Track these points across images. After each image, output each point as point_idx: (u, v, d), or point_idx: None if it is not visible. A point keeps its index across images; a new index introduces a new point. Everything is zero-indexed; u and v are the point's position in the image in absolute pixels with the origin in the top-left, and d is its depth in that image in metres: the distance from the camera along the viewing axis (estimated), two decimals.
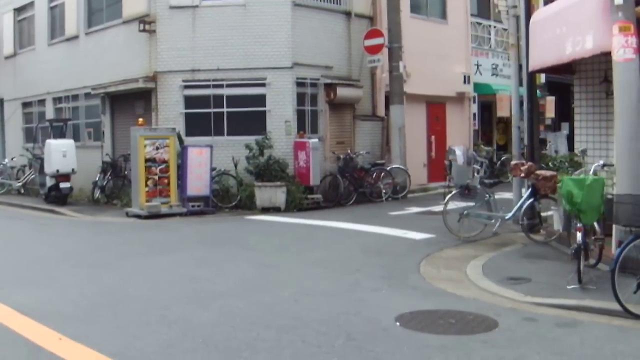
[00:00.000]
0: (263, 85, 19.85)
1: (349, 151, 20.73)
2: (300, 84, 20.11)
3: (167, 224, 16.51)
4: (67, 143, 20.26)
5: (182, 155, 18.14)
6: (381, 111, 22.34)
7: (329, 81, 20.68)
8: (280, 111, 19.84)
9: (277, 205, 18.63)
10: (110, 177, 20.77)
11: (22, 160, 24.86)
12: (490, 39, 27.81)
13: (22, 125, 27.60)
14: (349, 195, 20.07)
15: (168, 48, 19.84)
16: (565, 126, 30.95)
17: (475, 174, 14.68)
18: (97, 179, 20.80)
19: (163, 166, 17.79)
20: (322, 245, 13.16)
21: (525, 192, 13.30)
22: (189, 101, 19.95)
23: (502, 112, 26.53)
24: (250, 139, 19.23)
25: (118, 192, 20.60)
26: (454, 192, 13.99)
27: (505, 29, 26.93)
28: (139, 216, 17.32)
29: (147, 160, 17.59)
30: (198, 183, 18.24)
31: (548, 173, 13.20)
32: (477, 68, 26.86)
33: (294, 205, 18.69)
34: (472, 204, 13.64)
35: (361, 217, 16.81)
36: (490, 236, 13.48)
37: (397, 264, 11.13)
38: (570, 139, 21.78)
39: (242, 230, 15.50)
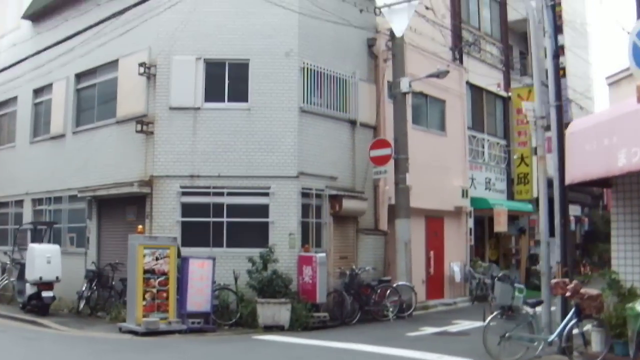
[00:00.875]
0: (266, 194, 18.72)
1: (353, 267, 19.51)
2: (304, 194, 19.01)
3: (169, 343, 14.99)
4: (52, 249, 18.72)
5: (182, 267, 16.70)
6: (384, 225, 21.29)
7: (334, 192, 19.64)
8: (284, 223, 18.67)
9: (280, 324, 17.29)
10: (95, 288, 19.06)
11: None
12: (484, 152, 27.18)
13: None
14: (353, 313, 18.71)
15: (166, 151, 18.70)
16: (553, 241, 30.12)
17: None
18: (83, 288, 19.05)
19: (162, 278, 16.38)
20: None
21: (570, 313, 12.51)
22: (187, 209, 18.69)
23: (499, 227, 25.72)
24: (252, 252, 17.98)
25: (104, 304, 18.95)
26: (495, 312, 12.91)
27: (498, 143, 26.63)
28: (134, 332, 15.75)
29: (145, 272, 16.15)
30: (199, 298, 16.81)
31: (594, 292, 12.53)
32: (472, 182, 26.11)
33: (299, 324, 17.37)
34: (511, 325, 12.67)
35: (379, 339, 15.62)
36: None
37: None
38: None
39: (257, 354, 13.99)
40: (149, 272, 16.24)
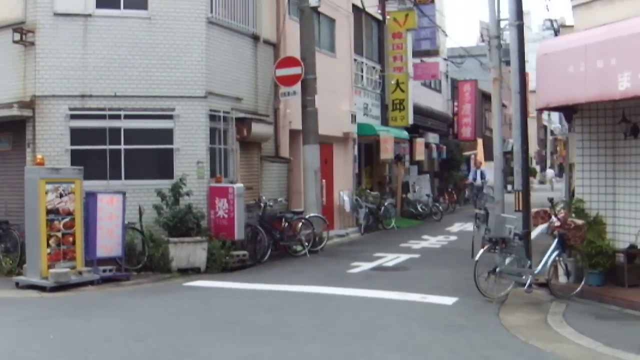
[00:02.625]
0: (170, 117, 16.30)
1: (263, 198, 17.64)
2: (211, 117, 16.74)
3: (92, 298, 12.43)
4: None
5: (87, 204, 14.06)
6: (285, 151, 19.43)
7: (242, 115, 17.47)
8: (191, 150, 16.39)
9: (196, 265, 15.28)
10: None
11: None
12: (362, 76, 25.84)
13: None
14: (267, 249, 16.90)
15: (51, 66, 15.64)
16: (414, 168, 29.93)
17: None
18: None
19: (68, 219, 13.64)
20: (362, 324, 10.11)
21: (554, 243, 11.79)
22: (77, 135, 15.82)
23: (386, 154, 24.69)
24: (155, 184, 15.83)
25: None
26: (487, 245, 11.88)
27: (374, 67, 25.44)
28: (40, 287, 12.97)
29: (48, 212, 13.35)
30: (109, 241, 14.30)
31: (579, 222, 11.97)
32: None
33: (217, 265, 15.39)
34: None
35: (320, 279, 14.17)
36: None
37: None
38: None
39: (214, 306, 11.96)
40: (53, 212, 13.47)
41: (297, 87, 18.46)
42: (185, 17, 16.39)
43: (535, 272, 11.77)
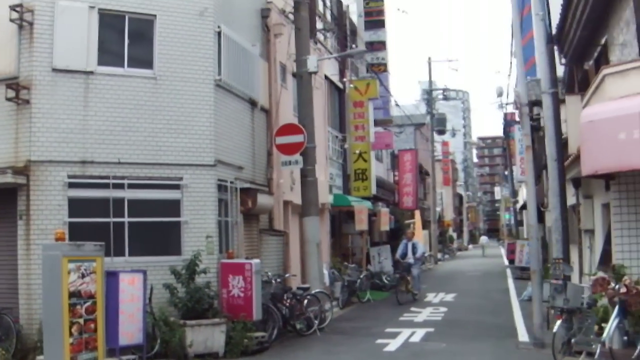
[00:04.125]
0: (177, 187, 14.65)
1: (268, 273, 16.06)
2: (218, 187, 15.15)
3: None
4: None
5: (108, 285, 12.09)
6: (280, 224, 17.89)
7: (247, 185, 15.93)
8: (200, 223, 14.75)
9: (214, 350, 13.56)
10: None
11: None
12: (329, 145, 24.69)
13: None
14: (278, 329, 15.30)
15: (48, 127, 13.73)
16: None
17: None
18: None
19: (89, 303, 11.62)
20: None
21: (615, 310, 11.02)
22: (76, 206, 13.86)
23: (361, 225, 23.47)
24: (161, 261, 14.12)
25: None
26: (564, 316, 11.47)
27: (337, 136, 24.46)
28: None
29: (70, 295, 11.32)
30: (130, 326, 12.36)
31: None
32: None
33: (237, 349, 13.68)
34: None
35: None
36: None
37: None
38: None
39: None
40: (75, 295, 11.44)
41: (299, 156, 16.99)
42: (193, 79, 14.93)
43: (602, 340, 10.82)
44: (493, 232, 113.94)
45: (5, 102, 13.63)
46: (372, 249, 27.40)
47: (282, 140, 17.10)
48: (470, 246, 58.08)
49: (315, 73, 17.74)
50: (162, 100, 14.58)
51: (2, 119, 13.84)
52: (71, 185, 13.75)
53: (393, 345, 14.37)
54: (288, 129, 17.17)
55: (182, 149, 14.64)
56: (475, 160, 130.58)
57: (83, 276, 11.52)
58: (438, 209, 47.35)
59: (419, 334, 15.69)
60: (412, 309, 20.61)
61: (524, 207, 35.71)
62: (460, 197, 70.97)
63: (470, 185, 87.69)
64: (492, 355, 13.17)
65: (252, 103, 17.13)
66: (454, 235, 64.40)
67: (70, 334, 11.20)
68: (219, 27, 15.38)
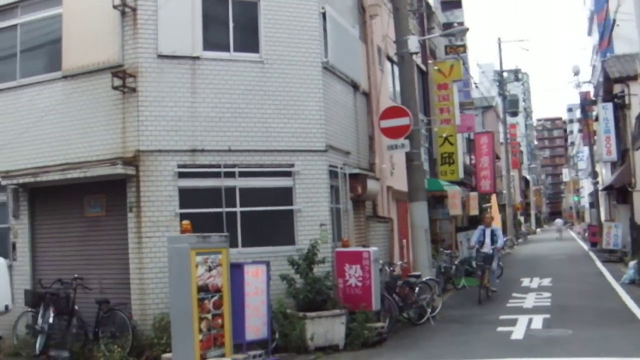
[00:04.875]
0: (289, 174, 13.90)
1: (380, 261, 15.22)
2: (329, 173, 14.40)
3: None
4: None
5: (233, 278, 11.38)
6: (384, 210, 17.07)
7: (356, 171, 15.14)
8: (313, 211, 14.02)
9: (334, 343, 12.80)
10: (51, 317, 12.75)
11: None
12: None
13: None
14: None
15: (156, 116, 13.09)
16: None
17: None
18: (40, 319, 12.73)
19: (217, 297, 10.94)
20: None
21: None
22: (186, 196, 13.21)
23: (455, 209, 22.55)
24: (275, 251, 13.43)
25: (62, 339, 12.82)
26: None
27: (422, 120, 23.53)
28: None
29: (199, 290, 10.64)
30: (256, 320, 11.64)
31: None
32: None
33: (358, 341, 12.90)
34: None
35: (500, 349, 12.08)
36: None
37: None
38: None
39: None
40: (203, 289, 10.76)
41: (405, 139, 16.14)
42: (300, 62, 14.19)
43: None
44: (555, 214, 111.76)
45: (110, 91, 13.06)
46: (459, 235, 26.48)
47: (387, 123, 16.25)
48: (539, 230, 56.65)
49: (416, 54, 16.86)
50: (270, 85, 13.86)
51: (108, 109, 13.25)
52: (181, 175, 13.13)
53: (517, 333, 13.52)
54: (393, 112, 16.30)
55: (293, 134, 13.92)
56: (534, 142, 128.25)
57: (210, 269, 10.88)
58: (505, 191, 45.96)
59: (537, 320, 14.77)
60: (515, 294, 19.65)
61: (607, 188, 34.34)
62: (526, 181, 69.39)
63: (532, 169, 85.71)
64: (627, 341, 12.19)
65: (354, 86, 16.37)
66: (521, 219, 63.04)
67: (200, 330, 10.57)
68: (323, 8, 14.60)
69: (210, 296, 10.82)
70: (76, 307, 12.99)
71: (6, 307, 11.95)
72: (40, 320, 12.68)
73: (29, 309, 13.34)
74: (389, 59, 19.09)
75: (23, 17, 14.65)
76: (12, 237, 14.27)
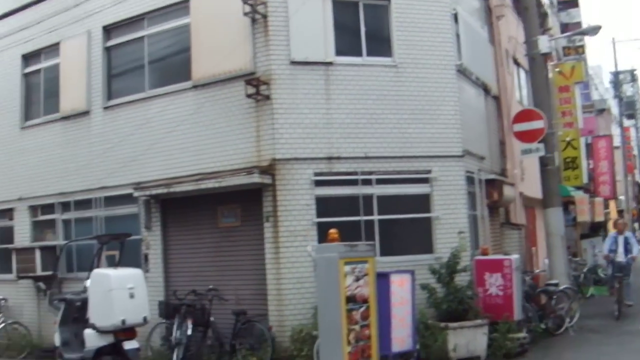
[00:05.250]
0: (426, 181, 13.41)
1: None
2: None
3: None
4: (133, 275, 11.91)
5: (378, 288, 10.95)
6: (517, 216, 16.47)
7: (492, 176, 14.58)
8: (451, 218, 13.49)
9: (476, 354, 12.21)
10: (191, 328, 12.60)
11: None
12: None
13: None
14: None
15: (291, 123, 12.86)
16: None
17: None
18: (175, 330, 12.61)
19: (364, 308, 10.51)
20: None
21: None
22: (323, 205, 12.90)
23: (583, 216, 21.59)
24: (413, 260, 12.84)
25: (197, 351, 12.74)
26: None
27: None
28: None
29: (347, 300, 10.25)
30: (401, 331, 11.20)
31: None
32: None
33: (500, 352, 12.33)
34: None
35: None
36: None
37: None
38: None
39: None
40: (350, 300, 10.37)
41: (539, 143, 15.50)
42: (434, 65, 13.76)
43: None
44: None
45: (243, 99, 12.92)
46: (583, 242, 25.46)
47: (520, 127, 15.59)
48: None
49: (548, 54, 16.19)
50: (405, 89, 13.47)
51: (241, 117, 13.11)
52: (318, 183, 12.85)
53: None
54: (526, 115, 15.64)
55: (429, 139, 13.49)
56: None
57: (357, 279, 10.46)
58: (622, 197, 44.18)
59: None
60: None
61: None
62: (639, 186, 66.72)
63: None
64: None
65: (485, 89, 15.85)
66: (636, 225, 60.58)
67: (348, 342, 10.20)
68: (454, 9, 14.15)
69: (358, 307, 10.42)
70: (212, 319, 12.80)
71: (144, 318, 11.80)
72: (176, 332, 12.54)
73: (163, 321, 13.24)
74: (515, 61, 18.45)
75: (150, 28, 14.72)
76: (144, 249, 14.28)
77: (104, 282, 11.41)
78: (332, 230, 10.69)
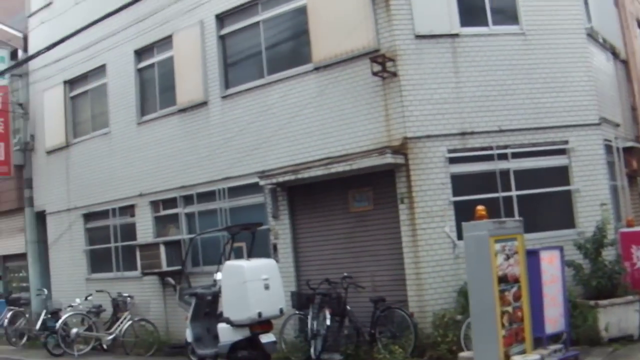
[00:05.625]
0: (563, 152, 12.85)
1: None
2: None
3: None
4: (268, 266, 11.82)
5: (528, 266, 10.44)
6: None
7: (629, 144, 13.88)
8: (592, 190, 12.87)
9: (628, 333, 11.59)
10: (329, 318, 12.28)
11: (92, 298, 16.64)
12: None
13: (84, 246, 18.60)
14: None
15: (420, 100, 12.49)
16: None
17: None
18: (311, 321, 12.39)
19: (515, 288, 10.04)
20: None
21: None
22: (458, 183, 12.49)
23: None
24: (554, 236, 12.33)
25: (334, 341, 12.43)
26: None
27: None
28: None
29: (499, 281, 9.79)
30: (554, 311, 10.66)
31: None
32: None
33: None
34: None
35: None
36: None
37: None
38: None
39: None
40: (502, 280, 9.93)
41: None
42: (563, 30, 13.19)
43: None
44: None
45: (368, 78, 12.70)
46: None
47: None
48: None
49: None
50: (535, 58, 12.97)
51: (367, 97, 12.85)
52: (452, 161, 12.47)
53: None
54: None
55: (563, 108, 12.93)
56: None
57: (507, 257, 10.05)
58: None
59: None
60: None
61: None
62: None
63: None
64: None
65: (614, 53, 15.15)
66: None
67: (502, 325, 9.75)
68: None
69: (510, 287, 10.00)
70: (348, 307, 12.53)
71: (281, 310, 11.65)
72: (313, 323, 12.31)
73: (296, 312, 13.04)
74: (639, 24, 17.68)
75: (264, 13, 14.57)
76: (273, 239, 14.14)
77: (237, 274, 11.30)
78: (480, 207, 10.25)
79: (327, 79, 13.33)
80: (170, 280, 14.82)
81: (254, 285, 11.23)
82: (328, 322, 12.16)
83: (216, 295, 12.20)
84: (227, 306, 11.44)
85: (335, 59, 13.20)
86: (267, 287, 11.37)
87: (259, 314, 11.12)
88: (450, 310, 11.76)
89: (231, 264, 11.80)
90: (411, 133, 12.34)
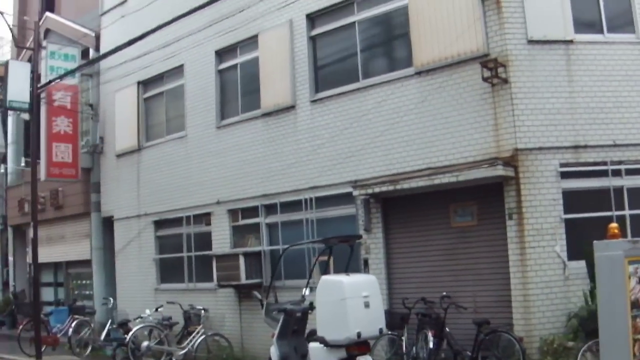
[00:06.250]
0: None
1: None
2: None
3: None
4: (367, 281, 11.12)
5: None
6: None
7: None
8: None
9: None
10: (433, 341, 11.70)
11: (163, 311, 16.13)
12: None
13: (154, 255, 18.32)
14: None
15: (532, 109, 12.02)
16: None
17: None
18: (405, 342, 11.91)
19: None
20: None
21: None
22: (568, 199, 11.97)
23: None
24: None
25: None
26: None
27: None
28: None
29: (631, 306, 9.15)
30: None
31: None
32: None
33: None
34: None
35: None
36: None
37: None
38: None
39: None
40: (634, 305, 9.27)
41: None
42: None
43: None
44: None
45: (476, 84, 12.29)
46: None
47: None
48: None
49: None
50: None
51: (475, 104, 12.39)
52: (563, 175, 11.90)
53: None
54: None
55: None
56: None
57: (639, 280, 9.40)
58: None
59: None
60: None
61: None
62: None
63: None
64: None
65: None
66: None
67: (634, 355, 9.10)
68: None
69: None
70: (446, 329, 11.93)
71: (380, 330, 10.97)
72: (411, 345, 11.75)
73: (389, 332, 12.43)
74: None
75: (360, 13, 14.24)
76: (364, 253, 13.67)
77: (336, 290, 10.60)
78: (613, 225, 9.60)
79: (430, 84, 12.89)
80: (257, 294, 14.23)
81: (353, 303, 10.54)
82: (431, 344, 11.57)
83: (306, 312, 11.60)
84: (323, 325, 10.75)
85: (440, 63, 12.76)
86: (367, 305, 10.69)
87: (358, 334, 10.41)
88: (559, 335, 11.21)
89: (329, 278, 11.15)
90: (522, 144, 11.82)
